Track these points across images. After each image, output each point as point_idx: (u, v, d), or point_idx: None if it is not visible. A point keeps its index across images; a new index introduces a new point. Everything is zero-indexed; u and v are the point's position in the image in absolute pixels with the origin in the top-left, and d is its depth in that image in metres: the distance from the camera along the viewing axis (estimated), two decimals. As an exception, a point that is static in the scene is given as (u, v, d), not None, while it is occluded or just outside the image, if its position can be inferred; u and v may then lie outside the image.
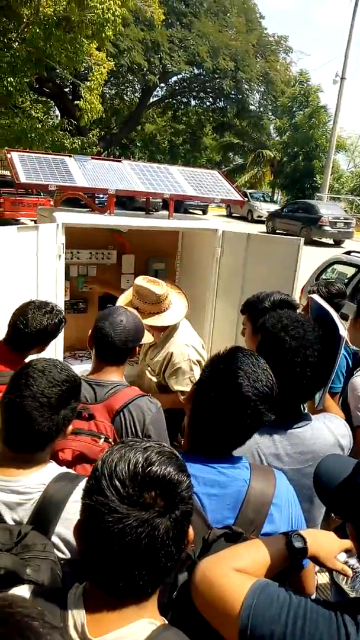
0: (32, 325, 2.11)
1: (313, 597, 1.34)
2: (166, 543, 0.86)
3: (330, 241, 19.79)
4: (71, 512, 1.30)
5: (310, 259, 7.09)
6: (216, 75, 26.63)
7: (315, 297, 1.78)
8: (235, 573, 1.03)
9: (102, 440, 1.82)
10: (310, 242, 17.85)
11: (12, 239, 2.67)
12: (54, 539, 1.30)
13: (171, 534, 0.87)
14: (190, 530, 0.94)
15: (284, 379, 1.45)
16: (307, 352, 1.54)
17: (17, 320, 2.12)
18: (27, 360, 2.25)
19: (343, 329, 1.67)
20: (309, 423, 1.62)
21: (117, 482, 0.86)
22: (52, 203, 13.06)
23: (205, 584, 1.03)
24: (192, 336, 2.93)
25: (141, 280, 2.81)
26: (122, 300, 2.93)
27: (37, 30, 10.63)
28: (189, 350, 2.81)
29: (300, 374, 1.53)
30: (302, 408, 1.70)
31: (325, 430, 1.63)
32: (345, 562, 1.19)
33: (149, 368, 2.94)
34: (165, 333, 2.87)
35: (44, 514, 1.31)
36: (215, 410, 1.28)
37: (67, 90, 23.61)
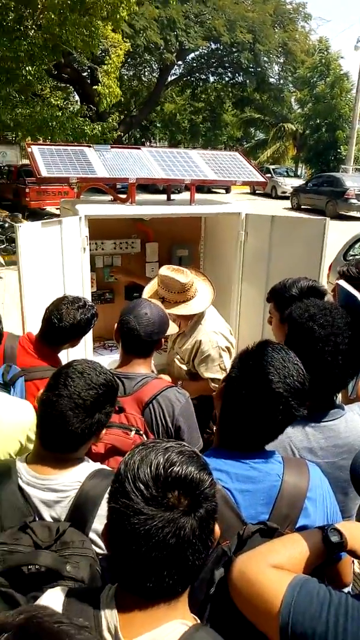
0: (66, 320, 2.15)
1: (350, 587, 1.34)
2: (193, 542, 0.87)
3: (358, 214, 19.29)
4: (107, 508, 1.33)
5: (338, 235, 6.94)
6: (234, 49, 25.97)
7: (342, 282, 1.74)
8: (272, 569, 1.03)
9: (133, 432, 1.85)
10: (336, 217, 17.45)
11: (37, 234, 2.70)
12: (92, 535, 1.33)
13: (197, 532, 0.88)
14: (217, 528, 0.95)
15: (316, 369, 1.43)
16: (338, 339, 1.50)
17: (52, 315, 2.16)
18: (60, 354, 2.31)
19: None
20: (343, 414, 1.59)
21: (140, 485, 0.87)
22: (76, 191, 13.09)
23: (243, 580, 1.04)
24: (219, 323, 2.92)
25: (165, 270, 2.80)
26: (148, 290, 2.94)
27: (52, 16, 10.53)
28: (218, 338, 2.81)
29: (332, 363, 1.50)
30: (335, 397, 1.68)
31: None
32: None
33: (178, 356, 2.95)
34: (193, 320, 2.87)
35: (81, 511, 1.33)
36: (246, 407, 1.28)
37: (85, 75, 23.44)
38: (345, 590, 1.30)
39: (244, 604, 1.04)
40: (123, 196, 3.66)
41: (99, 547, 1.32)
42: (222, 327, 2.91)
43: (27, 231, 2.63)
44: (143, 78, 28.39)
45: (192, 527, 0.87)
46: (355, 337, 1.53)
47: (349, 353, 1.52)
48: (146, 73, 28.34)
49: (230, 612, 1.06)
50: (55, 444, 1.39)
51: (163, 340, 2.15)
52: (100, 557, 1.31)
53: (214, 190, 23.52)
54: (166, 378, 2.26)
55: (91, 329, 2.34)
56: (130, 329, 1.97)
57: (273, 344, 1.36)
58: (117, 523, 0.88)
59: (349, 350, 1.51)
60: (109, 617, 0.90)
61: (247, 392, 1.28)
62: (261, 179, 3.93)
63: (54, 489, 1.36)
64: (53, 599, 0.99)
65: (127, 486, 0.88)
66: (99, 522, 1.32)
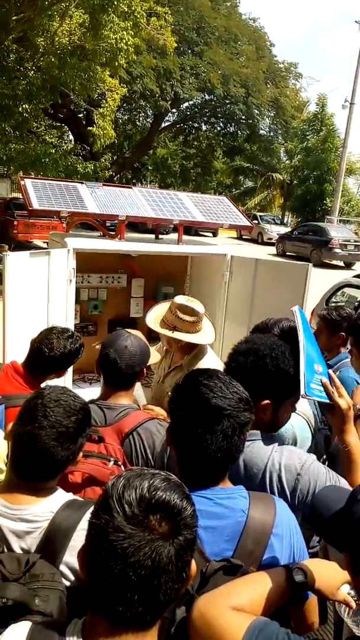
0: (57, 349, 2.16)
1: (316, 629, 1.32)
2: (168, 569, 0.87)
3: (341, 263, 19.79)
4: (79, 540, 1.28)
5: (321, 282, 7.10)
6: (227, 101, 27.08)
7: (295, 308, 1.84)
8: (232, 612, 1.01)
9: (111, 463, 1.82)
10: (320, 265, 17.86)
11: (25, 264, 2.73)
12: (62, 567, 1.29)
13: (174, 560, 0.87)
14: (193, 564, 0.94)
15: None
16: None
17: (42, 344, 2.16)
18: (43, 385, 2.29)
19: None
20: (254, 441, 1.58)
21: (124, 503, 0.88)
22: (64, 226, 13.20)
23: (202, 623, 1.02)
24: (219, 364, 2.93)
25: (182, 299, 2.84)
26: (153, 318, 2.89)
27: (53, 59, 10.93)
28: None
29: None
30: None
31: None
32: (349, 594, 1.16)
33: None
34: (190, 356, 2.88)
35: (52, 542, 1.30)
36: (192, 430, 1.28)
37: (80, 116, 24.13)
38: (313, 629, 1.28)
39: None
40: (112, 233, 3.72)
41: (69, 580, 1.29)
42: (220, 367, 2.92)
43: (15, 260, 2.65)
44: (137, 122, 29.30)
45: (169, 553, 0.87)
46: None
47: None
48: (141, 118, 29.29)
49: None
50: (35, 473, 1.36)
51: (145, 370, 2.15)
52: (69, 589, 1.27)
53: (201, 233, 24.00)
54: (160, 411, 2.26)
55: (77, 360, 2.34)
56: (111, 362, 1.97)
57: (208, 370, 1.41)
58: (96, 539, 0.88)
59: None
60: None
61: (189, 413, 1.29)
62: (247, 223, 4.06)
63: (26, 519, 1.32)
64: (16, 633, 0.96)
65: (110, 503, 0.89)
66: (70, 554, 1.29)
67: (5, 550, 1.29)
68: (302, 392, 1.56)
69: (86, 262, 3.61)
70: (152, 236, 4.21)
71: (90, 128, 13.23)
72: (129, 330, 2.15)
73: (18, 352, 2.55)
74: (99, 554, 0.87)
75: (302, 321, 1.76)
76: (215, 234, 25.17)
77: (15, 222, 16.52)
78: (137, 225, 17.40)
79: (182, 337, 2.70)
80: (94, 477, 1.78)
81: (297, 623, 1.22)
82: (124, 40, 10.66)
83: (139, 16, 11.19)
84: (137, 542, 0.85)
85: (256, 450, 1.54)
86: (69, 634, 0.92)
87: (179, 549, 0.88)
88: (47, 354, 2.15)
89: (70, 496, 1.44)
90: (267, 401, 1.58)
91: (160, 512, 0.88)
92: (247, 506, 1.27)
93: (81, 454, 1.51)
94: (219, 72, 25.01)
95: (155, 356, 2.45)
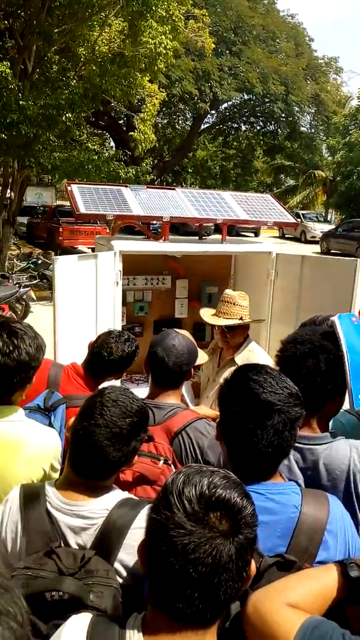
0: (116, 353, 2.20)
1: None
2: (228, 568, 0.86)
3: (388, 260, 19.19)
4: (134, 538, 1.30)
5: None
6: (266, 100, 26.83)
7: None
8: (287, 609, 1.00)
9: (161, 462, 1.83)
10: (367, 262, 17.38)
11: (74, 267, 2.79)
12: (116, 565, 1.30)
13: (234, 558, 0.87)
14: (253, 564, 0.94)
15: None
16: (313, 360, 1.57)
17: (101, 348, 2.22)
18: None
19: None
20: (332, 442, 1.55)
21: (184, 500, 0.89)
22: (108, 231, 13.45)
23: (257, 618, 1.01)
24: (269, 360, 2.94)
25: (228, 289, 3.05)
26: (205, 310, 3.09)
27: (94, 68, 11.16)
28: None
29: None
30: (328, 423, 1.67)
31: None
32: None
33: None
34: (241, 351, 2.91)
35: (107, 540, 1.31)
36: (244, 426, 1.28)
37: (121, 122, 24.51)
38: None
39: None
40: (156, 236, 3.76)
41: (122, 578, 1.30)
42: (271, 362, 2.94)
43: (64, 264, 2.72)
44: (177, 126, 29.48)
45: (229, 551, 0.87)
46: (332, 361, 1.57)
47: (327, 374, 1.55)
48: (180, 121, 29.46)
49: None
50: (90, 472, 1.38)
51: (193, 370, 2.16)
52: (122, 587, 1.28)
53: (242, 233, 23.83)
54: (208, 412, 2.27)
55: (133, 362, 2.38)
56: (159, 360, 1.99)
57: (257, 365, 1.41)
58: (156, 535, 0.89)
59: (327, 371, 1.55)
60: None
61: (240, 408, 1.29)
62: (292, 220, 4.00)
63: (82, 515, 1.34)
64: (77, 624, 0.98)
65: (170, 499, 0.90)
66: (125, 552, 1.31)
67: (62, 545, 1.32)
68: (352, 405, 1.53)
69: (131, 265, 3.66)
70: (196, 237, 4.22)
71: (132, 133, 13.41)
72: (177, 330, 2.16)
73: (69, 353, 2.61)
74: (159, 550, 0.88)
75: (345, 329, 1.68)
76: (257, 234, 24.94)
77: (61, 229, 16.94)
78: (178, 228, 17.48)
79: (216, 322, 2.85)
80: (144, 476, 1.79)
81: (356, 623, 1.19)
82: (163, 45, 10.75)
83: (177, 20, 11.27)
84: (198, 539, 0.85)
85: (334, 453, 1.52)
86: (129, 627, 0.93)
87: (239, 547, 0.88)
88: (106, 358, 2.20)
89: (125, 494, 1.45)
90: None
91: (221, 510, 0.89)
92: (300, 502, 1.26)
93: (136, 457, 1.51)
94: (258, 71, 24.81)
95: (202, 357, 2.46)
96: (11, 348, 1.61)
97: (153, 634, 0.89)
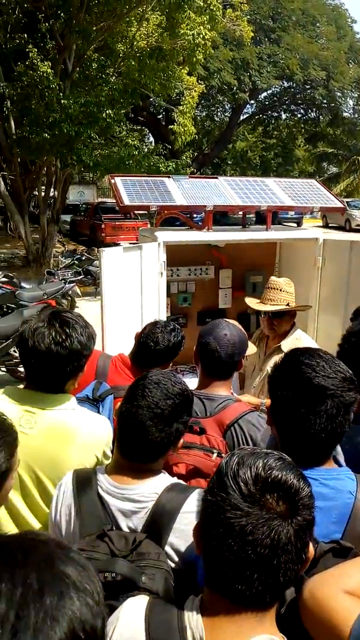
0: (162, 343, 2.20)
1: None
2: (287, 549, 0.85)
3: None
4: (183, 522, 1.31)
5: None
6: (307, 87, 26.24)
7: None
8: (344, 596, 0.98)
9: (215, 455, 1.81)
10: None
11: (120, 258, 2.82)
12: (167, 548, 1.31)
13: (293, 540, 0.86)
14: (311, 547, 0.92)
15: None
16: None
17: (147, 339, 2.22)
18: None
19: None
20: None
21: (240, 481, 0.88)
22: (149, 226, 13.53)
23: (313, 604, 1.00)
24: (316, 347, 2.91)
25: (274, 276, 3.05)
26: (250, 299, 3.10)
27: (132, 63, 11.24)
28: None
29: None
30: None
31: None
32: None
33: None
34: (288, 340, 2.87)
35: (157, 523, 1.32)
36: (296, 410, 1.25)
37: (159, 117, 24.56)
38: None
39: (312, 627, 1.00)
40: (198, 226, 3.74)
41: (173, 562, 1.30)
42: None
43: (110, 255, 2.74)
44: (215, 118, 29.29)
45: (287, 533, 0.86)
46: None
47: None
48: (219, 113, 29.24)
49: (300, 634, 1.01)
50: (135, 453, 1.39)
51: (242, 362, 2.13)
52: (173, 571, 1.28)
53: (285, 224, 23.43)
54: (253, 400, 2.24)
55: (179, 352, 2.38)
56: (211, 350, 1.96)
57: (309, 349, 1.37)
58: (212, 517, 0.88)
59: None
60: (194, 626, 0.88)
61: (291, 393, 1.26)
62: (339, 205, 3.88)
63: (132, 499, 1.35)
64: (135, 606, 0.98)
65: (225, 481, 0.89)
66: (175, 535, 1.31)
67: (114, 528, 1.33)
68: None
69: (175, 256, 3.65)
70: (238, 227, 4.17)
71: (171, 126, 13.43)
72: (227, 319, 2.14)
73: (115, 344, 2.63)
74: (216, 531, 0.87)
75: None
76: (299, 224, 24.45)
77: (103, 226, 17.18)
78: (219, 220, 17.37)
79: (261, 307, 2.85)
80: (198, 469, 1.78)
81: None
82: (201, 35, 10.68)
83: (215, 9, 11.17)
84: (255, 521, 0.84)
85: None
86: (187, 608, 0.92)
87: (297, 529, 0.87)
88: (152, 348, 2.20)
89: (173, 479, 1.46)
90: None
91: (277, 492, 0.87)
92: (355, 488, 1.24)
93: (182, 441, 1.51)
94: (298, 57, 24.27)
95: (252, 348, 2.43)
96: (64, 337, 1.63)
97: (212, 616, 0.88)
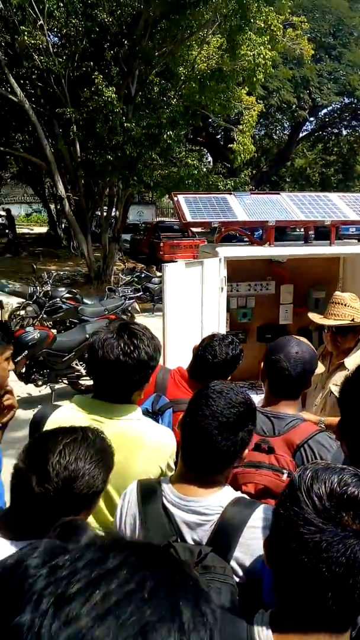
0: (220, 355, 2.19)
1: None
2: None
3: None
4: (249, 537, 1.28)
5: None
6: (369, 102, 25.72)
7: None
8: None
9: (285, 475, 1.76)
10: None
11: (181, 273, 2.86)
12: (232, 563, 1.28)
13: None
14: None
15: None
16: None
17: (205, 351, 2.22)
18: None
19: None
20: None
21: (314, 496, 0.85)
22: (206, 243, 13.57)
23: None
24: None
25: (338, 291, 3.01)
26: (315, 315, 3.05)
27: (193, 85, 11.48)
28: None
29: None
30: None
31: None
32: None
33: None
34: (353, 356, 2.79)
35: (223, 537, 1.30)
36: None
37: (218, 137, 24.82)
38: None
39: None
40: (259, 242, 3.73)
41: (238, 577, 1.27)
42: None
43: (172, 270, 2.79)
44: (274, 136, 29.21)
45: None
46: None
47: None
48: (277, 131, 29.15)
49: None
50: (201, 464, 1.38)
51: (310, 382, 2.08)
52: (238, 586, 1.25)
53: (345, 239, 22.87)
54: (312, 417, 2.18)
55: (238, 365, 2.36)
56: (281, 368, 1.92)
57: None
58: (285, 531, 0.86)
59: None
60: (263, 637, 0.86)
61: None
62: None
63: (197, 511, 1.34)
64: None
65: (299, 495, 0.87)
66: (240, 550, 1.28)
67: (179, 540, 1.32)
68: None
69: (235, 271, 3.66)
70: (300, 242, 4.12)
71: (231, 145, 13.56)
72: (296, 336, 2.10)
73: (176, 357, 2.66)
74: (289, 546, 0.85)
75: None
76: (361, 241, 23.80)
77: (161, 244, 17.48)
78: (276, 237, 17.22)
79: (326, 322, 2.80)
80: (268, 489, 1.73)
81: None
82: (262, 55, 10.78)
83: (275, 29, 11.24)
84: (330, 538, 0.82)
85: None
86: (257, 622, 0.90)
87: None
88: (210, 360, 2.19)
89: (238, 493, 1.43)
90: None
91: (353, 509, 0.84)
92: None
93: (246, 451, 1.49)
94: (359, 73, 23.89)
95: (320, 366, 2.37)
96: (132, 348, 1.66)
97: (283, 633, 0.86)
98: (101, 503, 1.63)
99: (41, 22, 10.58)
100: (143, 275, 10.93)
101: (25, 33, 10.48)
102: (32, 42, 10.54)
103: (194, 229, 14.59)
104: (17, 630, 0.43)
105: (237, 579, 1.26)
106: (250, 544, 1.28)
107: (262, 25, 10.99)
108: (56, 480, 1.16)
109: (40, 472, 1.18)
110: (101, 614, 0.44)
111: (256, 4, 10.43)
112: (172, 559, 0.56)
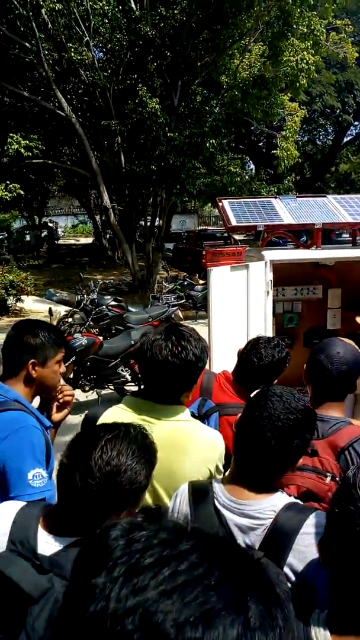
0: (266, 358, 2.16)
1: None
2: None
3: None
4: (302, 543, 1.25)
5: None
6: None
7: None
8: None
9: (329, 478, 1.71)
10: None
11: (227, 277, 2.85)
12: (285, 569, 1.25)
13: None
14: None
15: None
16: None
17: (250, 354, 2.19)
18: None
19: None
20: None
21: None
22: (259, 242, 13.53)
23: None
24: None
25: None
26: None
27: (236, 93, 11.51)
28: None
29: None
30: None
31: None
32: None
33: None
34: None
35: (275, 542, 1.27)
36: None
37: (260, 144, 24.73)
38: None
39: None
40: (305, 245, 3.67)
41: (291, 582, 1.24)
42: None
43: (218, 274, 2.78)
44: (318, 141, 28.82)
45: None
46: None
47: None
48: (321, 136, 28.75)
49: None
50: (254, 467, 1.36)
51: (357, 384, 2.02)
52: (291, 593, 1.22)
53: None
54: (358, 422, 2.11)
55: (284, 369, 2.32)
56: (323, 369, 1.88)
57: None
58: (341, 531, 0.84)
59: None
60: (321, 637, 0.85)
61: None
62: None
63: (250, 515, 1.32)
64: None
65: (354, 493, 0.85)
66: (293, 556, 1.25)
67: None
68: None
69: (280, 275, 3.61)
70: (348, 245, 4.03)
71: (274, 151, 13.49)
72: (342, 338, 2.05)
73: (222, 362, 2.64)
74: (346, 545, 0.83)
75: None
76: None
77: (204, 252, 17.52)
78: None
79: None
80: (311, 492, 1.69)
81: None
82: (305, 60, 10.69)
83: (318, 34, 11.13)
84: None
85: None
86: (313, 622, 0.88)
87: None
88: (256, 364, 2.16)
89: (290, 498, 1.40)
90: None
91: None
92: None
93: (300, 460, 1.45)
94: None
95: None
96: (179, 349, 1.67)
97: (342, 635, 0.83)
98: (150, 504, 1.63)
99: (87, 38, 10.90)
100: (186, 283, 10.99)
101: (72, 50, 10.83)
102: (79, 58, 10.88)
103: (237, 237, 14.56)
104: (92, 589, 0.49)
105: (290, 585, 1.24)
106: (304, 551, 1.25)
107: (305, 30, 10.90)
108: (98, 475, 1.17)
109: (82, 467, 1.18)
110: (167, 590, 0.47)
111: (299, 10, 10.39)
112: (248, 558, 0.59)
